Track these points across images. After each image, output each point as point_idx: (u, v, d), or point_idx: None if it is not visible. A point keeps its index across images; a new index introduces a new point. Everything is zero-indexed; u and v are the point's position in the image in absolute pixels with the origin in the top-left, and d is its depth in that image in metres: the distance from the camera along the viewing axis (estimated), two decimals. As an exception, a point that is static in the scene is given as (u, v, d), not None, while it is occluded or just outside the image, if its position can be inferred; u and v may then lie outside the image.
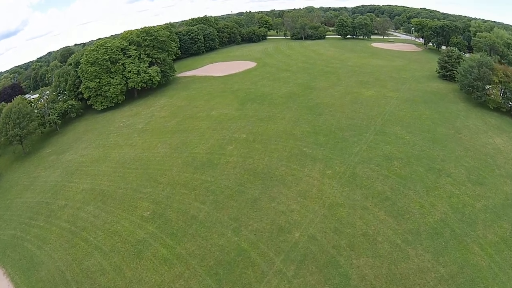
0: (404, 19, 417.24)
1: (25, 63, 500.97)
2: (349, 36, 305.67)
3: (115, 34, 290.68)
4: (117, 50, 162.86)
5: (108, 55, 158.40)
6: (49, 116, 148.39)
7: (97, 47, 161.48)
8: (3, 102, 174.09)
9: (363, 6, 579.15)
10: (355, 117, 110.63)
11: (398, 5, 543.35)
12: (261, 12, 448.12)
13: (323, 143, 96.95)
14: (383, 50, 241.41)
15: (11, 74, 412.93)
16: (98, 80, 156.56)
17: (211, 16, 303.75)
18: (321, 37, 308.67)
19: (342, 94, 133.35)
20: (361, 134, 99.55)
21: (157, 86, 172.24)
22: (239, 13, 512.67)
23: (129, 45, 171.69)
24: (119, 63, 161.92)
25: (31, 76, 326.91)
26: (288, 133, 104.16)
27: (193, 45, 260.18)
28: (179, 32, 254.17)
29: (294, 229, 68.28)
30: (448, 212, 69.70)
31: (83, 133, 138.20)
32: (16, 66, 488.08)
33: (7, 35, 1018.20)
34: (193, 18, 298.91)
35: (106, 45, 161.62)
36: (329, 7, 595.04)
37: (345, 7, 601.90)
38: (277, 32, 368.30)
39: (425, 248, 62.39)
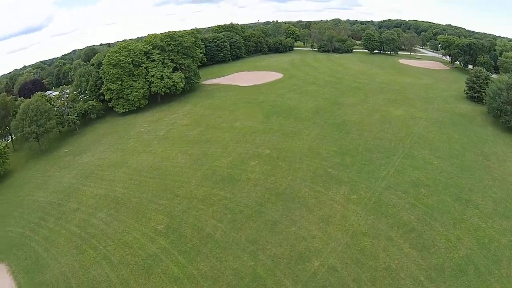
0: (430, 35, 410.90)
1: (49, 59, 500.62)
2: (376, 51, 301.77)
3: (141, 37, 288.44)
4: (140, 54, 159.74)
5: (130, 57, 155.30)
6: (68, 115, 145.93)
7: (120, 49, 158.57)
8: (21, 98, 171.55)
9: (389, 20, 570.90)
10: (383, 138, 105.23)
11: (424, 20, 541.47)
12: (288, 22, 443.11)
13: (350, 164, 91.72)
14: (410, 67, 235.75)
15: (34, 69, 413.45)
16: (120, 82, 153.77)
17: (238, 24, 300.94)
18: (348, 50, 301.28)
19: (370, 111, 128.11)
20: (389, 157, 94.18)
21: (181, 93, 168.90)
22: (265, 22, 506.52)
23: (153, 49, 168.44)
24: (142, 66, 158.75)
25: (53, 72, 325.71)
26: (313, 151, 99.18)
27: (219, 52, 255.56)
28: (205, 38, 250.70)
29: (314, 257, 63.01)
30: (473, 247, 63.97)
31: (102, 136, 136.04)
32: (40, 62, 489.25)
33: (31, 30, 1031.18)
34: (219, 25, 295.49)
35: (129, 47, 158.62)
36: (356, 20, 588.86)
37: (371, 21, 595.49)
38: (304, 44, 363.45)
39: (448, 287, 57.05)
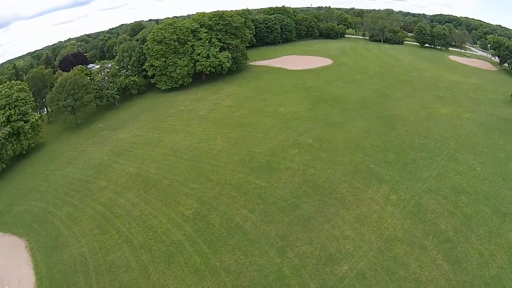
0: (480, 34, 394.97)
1: (95, 33, 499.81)
2: (427, 45, 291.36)
3: (191, 14, 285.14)
4: (186, 31, 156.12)
5: (176, 35, 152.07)
6: (107, 90, 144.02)
7: (165, 25, 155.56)
8: (60, 71, 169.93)
9: (441, 15, 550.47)
10: (429, 137, 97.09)
11: (475, 18, 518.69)
12: (341, 9, 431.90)
13: (393, 162, 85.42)
14: (460, 65, 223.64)
15: (78, 42, 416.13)
16: (164, 59, 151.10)
17: (290, 7, 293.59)
18: (399, 42, 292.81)
19: (417, 107, 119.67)
20: (433, 158, 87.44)
21: (227, 73, 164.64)
22: (318, 7, 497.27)
23: (200, 27, 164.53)
24: (188, 44, 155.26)
25: (98, 46, 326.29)
26: (357, 144, 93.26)
27: (269, 34, 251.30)
28: (255, 19, 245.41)
29: (344, 261, 57.79)
30: (504, 266, 57.32)
31: (141, 112, 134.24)
32: (85, 35, 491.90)
33: (79, 4, 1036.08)
34: (271, 7, 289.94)
35: (175, 24, 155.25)
36: (408, 12, 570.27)
37: (423, 14, 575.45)
38: (356, 32, 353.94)
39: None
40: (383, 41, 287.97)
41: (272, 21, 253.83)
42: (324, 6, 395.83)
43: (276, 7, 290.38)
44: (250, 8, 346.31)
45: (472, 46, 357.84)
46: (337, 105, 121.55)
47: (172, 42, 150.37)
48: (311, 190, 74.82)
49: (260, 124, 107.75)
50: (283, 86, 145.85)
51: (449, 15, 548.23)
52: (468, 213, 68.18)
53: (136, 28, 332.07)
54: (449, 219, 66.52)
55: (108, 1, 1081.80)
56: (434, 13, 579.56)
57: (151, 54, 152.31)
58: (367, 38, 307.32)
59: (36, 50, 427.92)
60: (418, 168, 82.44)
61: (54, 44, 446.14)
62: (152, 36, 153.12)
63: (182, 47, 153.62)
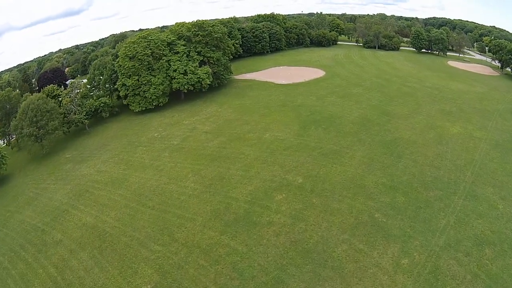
0: (476, 37, 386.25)
1: (86, 43, 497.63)
2: (423, 50, 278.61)
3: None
4: (161, 45, 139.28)
5: (150, 49, 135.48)
6: (75, 114, 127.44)
7: (138, 39, 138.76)
8: (27, 93, 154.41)
9: (434, 18, 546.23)
10: (441, 166, 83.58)
11: (469, 20, 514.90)
12: (332, 14, 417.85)
13: (402, 207, 69.54)
14: (460, 71, 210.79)
15: (64, 54, 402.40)
16: (137, 77, 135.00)
17: (279, 14, 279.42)
18: (395, 48, 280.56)
19: (424, 127, 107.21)
20: (449, 197, 72.40)
21: (208, 89, 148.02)
22: (309, 13, 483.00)
23: (178, 39, 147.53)
24: (163, 59, 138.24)
25: (80, 59, 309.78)
26: (357, 183, 77.01)
27: (257, 43, 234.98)
28: (242, 28, 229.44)
29: None
30: None
31: (111, 139, 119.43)
32: (75, 46, 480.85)
33: (69, 14, 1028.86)
34: (259, 15, 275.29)
35: (149, 37, 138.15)
36: (401, 16, 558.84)
37: (416, 18, 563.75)
38: (349, 38, 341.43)
39: None
40: (378, 48, 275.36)
41: (260, 29, 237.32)
42: (315, 12, 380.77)
43: (264, 14, 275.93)
44: (241, 16, 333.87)
45: (469, 50, 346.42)
46: (332, 127, 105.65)
47: (145, 57, 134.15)
48: (300, 256, 58.30)
49: (240, 156, 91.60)
50: (269, 104, 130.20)
51: (442, 17, 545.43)
52: (493, 273, 54.64)
53: (119, 39, 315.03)
54: (473, 285, 52.22)
55: (100, 11, 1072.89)
56: (427, 16, 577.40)
57: (122, 71, 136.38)
58: (361, 44, 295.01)
59: (26, 62, 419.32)
60: (433, 214, 67.45)
61: (42, 56, 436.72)
62: (124, 52, 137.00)
63: (157, 63, 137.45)
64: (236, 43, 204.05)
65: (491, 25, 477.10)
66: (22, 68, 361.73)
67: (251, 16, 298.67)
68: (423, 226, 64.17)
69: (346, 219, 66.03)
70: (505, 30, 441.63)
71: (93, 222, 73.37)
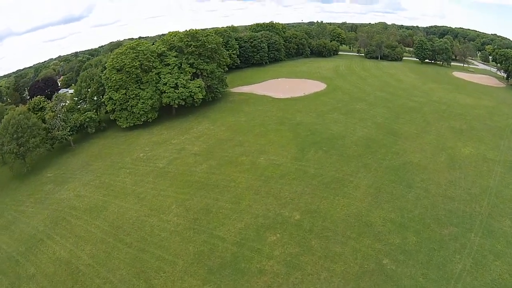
0: (478, 45, 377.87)
1: (86, 50, 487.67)
2: (427, 61, 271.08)
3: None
4: (151, 56, 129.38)
5: (139, 61, 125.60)
6: (59, 130, 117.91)
7: (127, 49, 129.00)
8: (12, 106, 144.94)
9: (436, 26, 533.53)
10: (455, 197, 74.49)
11: (471, 29, 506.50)
12: (333, 23, 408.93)
13: (414, 249, 60.18)
14: (466, 83, 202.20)
15: (61, 62, 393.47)
16: (124, 91, 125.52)
17: (278, 23, 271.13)
18: (398, 58, 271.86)
19: (434, 148, 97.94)
20: (464, 235, 63.32)
21: (201, 104, 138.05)
22: (309, 22, 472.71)
23: (169, 50, 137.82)
24: (153, 72, 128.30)
25: (74, 68, 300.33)
26: (363, 220, 67.36)
27: (255, 54, 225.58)
28: (240, 37, 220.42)
29: None
30: None
31: (95, 158, 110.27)
32: (74, 53, 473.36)
33: (70, 20, 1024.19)
34: (258, 24, 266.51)
35: (138, 48, 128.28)
36: (402, 25, 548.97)
37: (417, 26, 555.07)
38: (350, 48, 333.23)
39: None
40: (380, 58, 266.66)
41: (259, 39, 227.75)
42: (315, 21, 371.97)
43: (263, 23, 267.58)
44: (240, 25, 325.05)
45: (472, 59, 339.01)
46: (334, 150, 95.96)
47: (133, 69, 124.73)
48: (295, 318, 47.83)
49: (231, 185, 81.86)
50: (266, 122, 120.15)
51: (443, 26, 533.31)
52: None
53: (114, 47, 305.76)
54: None
55: (100, 18, 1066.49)
56: (428, 25, 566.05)
57: (109, 84, 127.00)
58: (363, 55, 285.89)
59: (25, 68, 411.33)
60: (448, 257, 58.58)
61: (42, 62, 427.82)
62: (111, 63, 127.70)
63: (146, 76, 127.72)
64: (233, 54, 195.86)
65: (493, 33, 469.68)
66: (19, 75, 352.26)
67: (250, 25, 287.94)
68: (437, 273, 55.16)
69: (350, 267, 56.35)
70: (507, 38, 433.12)
71: (67, 257, 65.87)
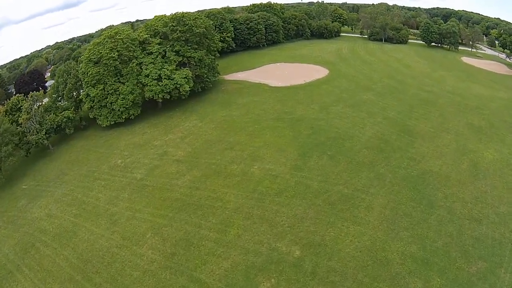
0: (483, 29, 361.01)
1: (84, 35, 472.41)
2: (433, 44, 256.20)
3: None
4: (132, 45, 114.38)
5: (117, 51, 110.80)
6: (33, 134, 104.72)
7: (104, 39, 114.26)
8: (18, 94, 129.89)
9: (438, 8, 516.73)
10: (482, 218, 62.27)
11: (474, 11, 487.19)
12: (333, 4, 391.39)
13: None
14: (476, 70, 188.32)
15: (53, 50, 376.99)
16: (102, 86, 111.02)
17: (276, 3, 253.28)
18: (403, 41, 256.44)
19: (455, 152, 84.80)
20: (494, 271, 51.70)
21: (189, 96, 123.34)
22: (309, 3, 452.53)
23: (153, 36, 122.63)
24: (133, 62, 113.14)
25: (63, 57, 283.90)
26: (377, 257, 54.02)
27: (252, 36, 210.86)
28: (235, 19, 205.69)
29: None
30: None
31: (71, 164, 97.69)
32: (69, 39, 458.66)
33: (69, 6, 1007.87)
34: (254, 4, 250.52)
35: (117, 36, 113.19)
36: (404, 6, 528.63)
37: (419, 8, 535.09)
38: (352, 29, 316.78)
39: None
40: (384, 40, 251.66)
41: (255, 20, 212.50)
42: (315, 1, 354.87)
43: (260, 3, 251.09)
44: (236, 5, 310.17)
45: (479, 44, 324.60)
46: (341, 154, 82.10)
47: (111, 61, 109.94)
48: None
49: (217, 204, 68.04)
50: (261, 117, 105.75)
51: (446, 8, 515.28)
52: None
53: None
54: None
55: (98, 2, 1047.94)
56: (429, 7, 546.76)
57: (86, 79, 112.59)
58: (366, 36, 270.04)
59: (21, 57, 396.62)
60: None
61: (39, 50, 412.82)
62: (87, 55, 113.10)
63: (126, 67, 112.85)
64: (227, 37, 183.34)
65: (496, 17, 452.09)
66: (12, 66, 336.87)
67: (247, 6, 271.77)
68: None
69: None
70: (511, 22, 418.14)
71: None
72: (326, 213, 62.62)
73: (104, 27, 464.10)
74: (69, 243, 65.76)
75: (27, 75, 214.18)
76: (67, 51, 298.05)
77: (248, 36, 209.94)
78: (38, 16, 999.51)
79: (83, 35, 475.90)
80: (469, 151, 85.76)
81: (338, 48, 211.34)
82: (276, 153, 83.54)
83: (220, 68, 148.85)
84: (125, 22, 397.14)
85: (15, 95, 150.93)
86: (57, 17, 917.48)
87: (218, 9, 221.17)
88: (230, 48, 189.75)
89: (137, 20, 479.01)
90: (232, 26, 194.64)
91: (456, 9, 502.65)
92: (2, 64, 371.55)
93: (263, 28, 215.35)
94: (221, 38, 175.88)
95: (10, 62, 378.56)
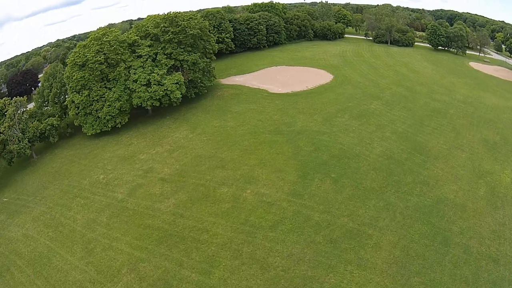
0: (488, 33, 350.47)
1: (85, 33, 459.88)
2: (440, 47, 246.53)
3: (186, 11, 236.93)
4: (120, 47, 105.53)
5: (104, 54, 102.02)
6: (16, 143, 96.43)
7: (90, 41, 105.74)
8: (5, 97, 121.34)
9: (442, 10, 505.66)
10: (500, 258, 55.30)
11: (478, 14, 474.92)
12: (336, 4, 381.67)
13: None
14: (486, 77, 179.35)
15: (53, 48, 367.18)
16: (88, 92, 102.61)
17: (279, 3, 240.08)
18: (409, 44, 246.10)
19: (470, 174, 77.24)
20: None
21: (183, 100, 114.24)
22: (312, 3, 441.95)
23: (144, 38, 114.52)
24: (121, 66, 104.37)
25: (59, 56, 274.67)
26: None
27: (252, 37, 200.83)
28: (235, 19, 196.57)
29: None
30: None
31: (53, 177, 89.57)
32: (70, 36, 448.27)
33: (71, 3, 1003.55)
34: (256, 3, 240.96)
35: (104, 39, 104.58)
36: (407, 7, 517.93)
37: (423, 9, 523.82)
38: (356, 31, 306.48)
39: None
40: (390, 43, 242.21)
41: (256, 20, 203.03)
42: (319, 1, 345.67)
43: (262, 3, 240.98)
44: (237, 5, 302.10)
45: (486, 48, 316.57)
46: (346, 177, 73.41)
47: (97, 65, 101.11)
48: None
49: (203, 238, 59.58)
50: (258, 129, 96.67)
51: (450, 10, 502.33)
52: None
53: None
54: None
55: (100, 0, 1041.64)
56: (433, 8, 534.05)
57: (71, 84, 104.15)
58: (371, 38, 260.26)
59: (22, 53, 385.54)
60: None
61: (41, 47, 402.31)
62: (72, 58, 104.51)
63: (113, 72, 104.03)
64: (226, 37, 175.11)
65: (500, 20, 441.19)
66: (10, 63, 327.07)
67: (247, 5, 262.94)
68: None
69: None
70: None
71: None
72: (327, 253, 53.94)
73: (105, 25, 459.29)
74: (43, 271, 59.33)
75: (20, 75, 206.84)
76: (63, 50, 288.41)
77: (248, 36, 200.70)
78: (41, 13, 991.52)
79: (84, 33, 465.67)
80: (486, 172, 78.11)
81: (342, 50, 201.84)
82: (273, 174, 74.77)
83: (217, 71, 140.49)
84: (127, 20, 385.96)
85: (7, 95, 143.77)
86: (59, 14, 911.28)
87: (217, 8, 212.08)
88: (229, 49, 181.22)
89: (139, 18, 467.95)
90: (232, 26, 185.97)
91: (460, 11, 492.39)
92: (3, 60, 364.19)
93: (264, 29, 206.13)
94: (220, 39, 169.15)
95: (11, 59, 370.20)
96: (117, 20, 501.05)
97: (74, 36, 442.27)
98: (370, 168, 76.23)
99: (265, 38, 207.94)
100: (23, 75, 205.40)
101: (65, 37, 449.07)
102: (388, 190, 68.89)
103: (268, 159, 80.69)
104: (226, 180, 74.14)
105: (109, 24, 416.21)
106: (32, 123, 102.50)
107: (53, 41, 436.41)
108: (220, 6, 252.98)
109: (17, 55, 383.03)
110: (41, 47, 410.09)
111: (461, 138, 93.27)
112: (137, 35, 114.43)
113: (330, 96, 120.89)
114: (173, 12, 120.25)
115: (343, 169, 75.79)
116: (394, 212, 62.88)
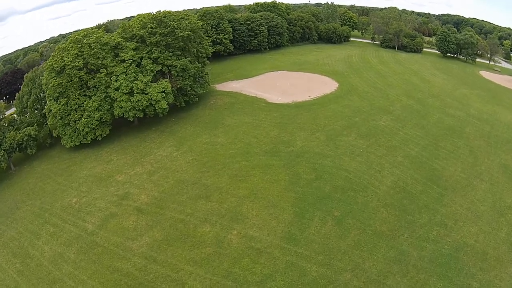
0: (495, 40, 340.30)
1: (87, 28, 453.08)
2: (449, 54, 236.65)
3: (190, 9, 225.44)
4: (102, 50, 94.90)
5: (83, 58, 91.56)
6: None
7: (69, 44, 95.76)
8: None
9: (448, 15, 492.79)
10: None
11: (485, 20, 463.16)
12: (342, 6, 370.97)
13: None
14: (499, 88, 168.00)
15: (51, 44, 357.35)
16: (65, 100, 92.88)
17: (282, 3, 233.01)
18: (418, 50, 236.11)
19: (491, 211, 67.86)
20: None
21: (171, 109, 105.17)
22: (317, 4, 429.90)
23: (129, 40, 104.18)
24: (101, 73, 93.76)
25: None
26: None
27: (252, 38, 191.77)
28: (235, 19, 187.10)
29: None
30: None
31: (27, 195, 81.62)
32: (74, 31, 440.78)
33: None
34: (258, 3, 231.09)
35: (84, 41, 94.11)
36: (412, 11, 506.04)
37: (429, 13, 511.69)
38: (362, 34, 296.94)
39: None
40: (397, 48, 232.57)
41: (257, 20, 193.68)
42: (324, 2, 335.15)
43: (264, 2, 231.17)
44: (241, 4, 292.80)
45: (496, 56, 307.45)
46: (351, 217, 63.20)
47: (75, 71, 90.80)
48: None
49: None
50: (252, 148, 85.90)
51: (456, 15, 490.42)
52: None
53: (106, 30, 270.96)
54: None
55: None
56: (439, 13, 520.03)
57: (48, 92, 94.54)
58: (377, 43, 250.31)
59: (23, 48, 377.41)
60: None
61: (48, 38, 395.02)
62: (50, 63, 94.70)
63: (93, 78, 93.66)
64: (225, 38, 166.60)
65: (507, 27, 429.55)
66: (7, 60, 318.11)
67: (249, 5, 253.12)
68: None
69: None
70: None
71: None
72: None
73: (107, 21, 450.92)
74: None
75: (10, 74, 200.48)
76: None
77: (248, 38, 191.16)
78: (45, 7, 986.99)
79: (87, 28, 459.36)
80: (507, 208, 68.91)
81: (347, 55, 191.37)
82: (265, 210, 64.23)
83: (214, 75, 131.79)
84: (130, 17, 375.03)
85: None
86: (64, 9, 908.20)
87: (216, 7, 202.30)
88: (228, 51, 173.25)
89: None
90: (231, 27, 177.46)
91: (467, 16, 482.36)
92: (4, 54, 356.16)
93: (266, 30, 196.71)
94: (218, 40, 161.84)
95: (11, 53, 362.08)
96: (121, 16, 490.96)
97: (77, 31, 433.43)
98: (380, 205, 65.81)
99: (266, 40, 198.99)
100: (13, 74, 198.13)
101: (68, 32, 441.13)
102: (401, 235, 58.58)
103: (261, 189, 70.09)
104: (209, 215, 63.82)
105: (108, 20, 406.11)
106: (10, 132, 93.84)
107: (56, 36, 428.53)
108: (225, 4, 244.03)
109: (18, 50, 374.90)
110: (43, 41, 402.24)
111: (479, 164, 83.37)
112: (122, 37, 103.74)
113: (335, 108, 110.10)
114: (162, 11, 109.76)
115: (348, 205, 65.39)
116: (407, 265, 52.69)
